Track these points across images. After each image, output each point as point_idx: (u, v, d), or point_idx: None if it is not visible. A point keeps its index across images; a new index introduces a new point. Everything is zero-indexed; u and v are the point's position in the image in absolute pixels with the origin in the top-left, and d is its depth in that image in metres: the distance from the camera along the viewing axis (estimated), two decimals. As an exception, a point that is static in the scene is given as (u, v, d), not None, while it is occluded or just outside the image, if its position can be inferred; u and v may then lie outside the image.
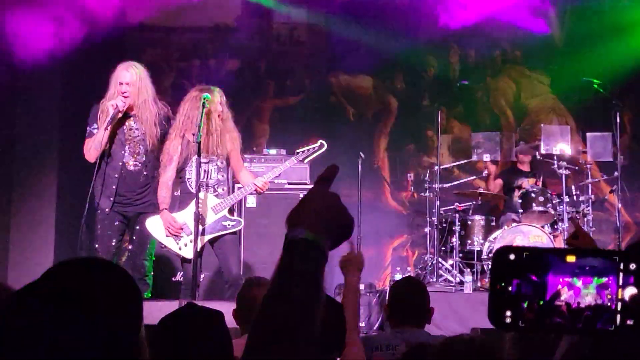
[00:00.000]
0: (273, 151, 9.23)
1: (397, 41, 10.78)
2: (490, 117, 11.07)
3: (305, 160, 7.05)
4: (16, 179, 9.10)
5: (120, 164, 6.59)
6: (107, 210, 6.52)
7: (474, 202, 9.41)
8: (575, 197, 8.95)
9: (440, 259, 8.93)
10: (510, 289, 1.33)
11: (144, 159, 6.65)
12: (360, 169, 8.43)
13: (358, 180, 8.27)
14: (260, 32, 11.15)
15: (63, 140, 9.05)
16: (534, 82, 11.11)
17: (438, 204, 9.04)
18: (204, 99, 6.60)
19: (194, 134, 6.51)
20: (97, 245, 6.56)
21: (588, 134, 9.66)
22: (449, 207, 9.35)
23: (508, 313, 1.32)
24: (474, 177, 9.74)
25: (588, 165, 9.24)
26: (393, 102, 10.96)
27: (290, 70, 11.13)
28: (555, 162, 9.03)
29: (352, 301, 3.59)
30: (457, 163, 9.97)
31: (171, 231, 6.64)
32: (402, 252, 10.72)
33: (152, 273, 7.90)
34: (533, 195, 8.89)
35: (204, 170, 6.69)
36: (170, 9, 10.53)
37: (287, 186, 8.67)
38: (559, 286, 1.32)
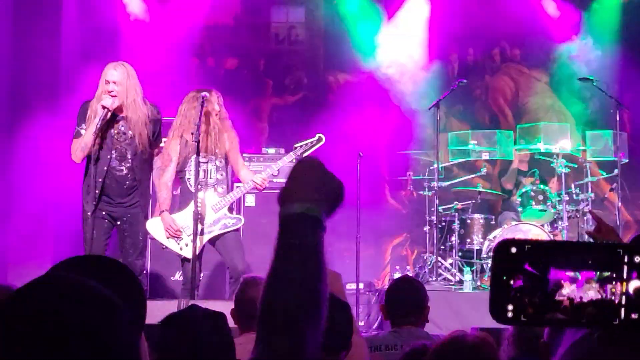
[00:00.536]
0: (272, 150, 9.22)
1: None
2: (489, 116, 11.06)
3: (304, 155, 6.99)
4: (16, 175, 9.08)
5: (106, 168, 6.47)
6: (89, 213, 6.45)
7: (473, 201, 9.41)
8: (574, 196, 8.94)
9: (439, 258, 8.92)
10: (512, 282, 1.31)
11: (130, 163, 6.52)
12: (359, 167, 8.41)
13: (357, 179, 8.25)
14: (258, 31, 11.14)
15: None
16: (533, 81, 11.11)
17: (437, 202, 9.03)
18: (203, 97, 6.60)
19: (192, 134, 6.51)
20: (85, 247, 6.50)
21: (587, 132, 9.65)
22: (448, 206, 9.34)
23: (510, 307, 1.31)
24: (473, 175, 9.73)
25: (587, 164, 9.23)
26: (392, 100, 10.94)
27: (289, 68, 11.12)
28: (554, 160, 9.02)
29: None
30: (456, 161, 9.96)
31: (171, 233, 6.64)
32: (402, 251, 10.71)
33: (147, 271, 7.89)
34: (532, 193, 8.89)
35: (204, 170, 6.68)
36: (168, 8, 10.50)
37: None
38: (561, 280, 1.30)
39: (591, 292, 1.30)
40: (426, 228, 9.31)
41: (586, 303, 1.30)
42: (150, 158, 6.74)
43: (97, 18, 9.86)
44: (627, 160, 9.43)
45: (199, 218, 6.53)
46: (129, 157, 6.54)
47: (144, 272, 7.03)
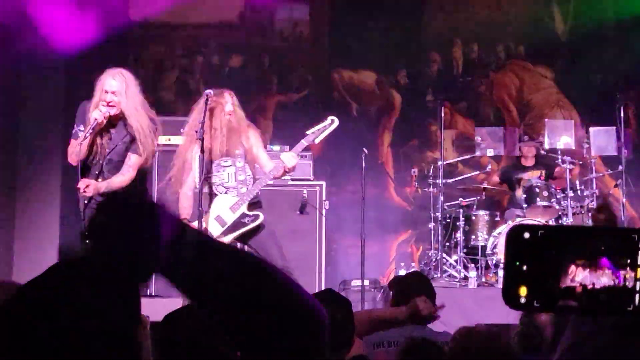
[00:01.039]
0: (277, 147, 9.21)
1: (400, 36, 10.79)
2: (494, 112, 11.05)
3: (317, 140, 6.82)
4: (20, 176, 9.11)
5: (97, 172, 6.36)
6: (81, 213, 6.39)
7: (478, 197, 9.40)
8: (579, 192, 8.93)
9: (444, 255, 8.92)
10: (524, 268, 1.30)
11: (115, 170, 6.37)
12: (363, 164, 8.41)
13: (362, 176, 8.25)
14: (263, 29, 11.14)
15: (67, 137, 9.02)
16: (538, 77, 11.09)
17: (442, 199, 9.02)
18: (207, 95, 6.57)
19: (196, 131, 6.46)
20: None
21: (592, 128, 9.64)
22: (453, 203, 9.33)
23: (523, 293, 1.30)
24: (478, 172, 9.72)
25: (592, 160, 9.22)
26: (396, 97, 10.94)
27: (293, 66, 11.13)
28: (559, 156, 9.01)
29: (378, 321, 3.53)
30: (460, 158, 9.95)
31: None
32: (407, 247, 10.70)
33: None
34: (537, 190, 8.88)
35: (227, 173, 6.61)
36: (173, 6, 10.52)
37: (290, 182, 8.66)
38: (574, 266, 1.29)
39: (604, 279, 1.28)
40: (431, 225, 9.30)
41: (599, 289, 1.28)
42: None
43: (101, 22, 9.87)
44: (632, 156, 9.42)
45: (202, 215, 6.49)
46: (111, 163, 6.39)
47: None
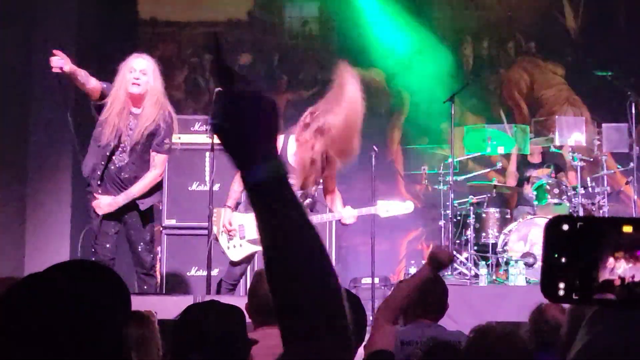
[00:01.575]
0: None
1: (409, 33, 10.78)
2: (504, 109, 11.02)
3: (383, 214, 6.84)
4: (30, 172, 9.12)
5: (108, 154, 6.35)
6: (95, 194, 6.36)
7: (489, 195, 9.38)
8: (590, 189, 8.90)
9: (454, 252, 8.90)
10: (563, 260, 1.28)
11: (129, 157, 6.40)
12: (373, 162, 8.39)
13: (372, 174, 8.23)
14: (272, 26, 11.14)
15: (77, 134, 9.03)
16: (548, 74, 11.06)
17: (452, 196, 9.01)
18: (216, 93, 6.54)
19: (206, 129, 6.45)
20: (96, 232, 6.41)
21: (603, 125, 9.60)
22: (463, 200, 9.32)
23: (561, 285, 1.28)
24: (488, 169, 9.69)
25: (603, 157, 9.19)
26: (406, 95, 10.92)
27: (303, 64, 11.12)
28: (570, 153, 8.99)
29: (410, 289, 3.49)
30: (471, 155, 9.93)
31: (225, 228, 6.51)
32: (417, 245, 10.69)
33: (158, 265, 7.88)
34: (548, 187, 8.86)
35: None
36: (182, 4, 10.53)
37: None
38: (613, 259, 1.26)
39: None
40: (441, 222, 9.28)
41: (638, 282, 1.26)
42: (148, 158, 6.52)
43: (110, 20, 9.89)
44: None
45: (212, 214, 6.48)
46: (130, 149, 6.40)
47: (154, 267, 6.90)
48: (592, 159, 9.22)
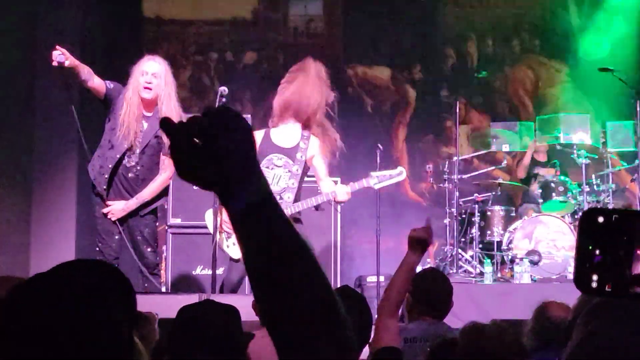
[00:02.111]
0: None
1: (414, 32, 10.77)
2: (509, 107, 11.02)
3: (377, 186, 6.66)
4: (36, 172, 9.13)
5: (119, 156, 6.36)
6: (103, 196, 6.38)
7: (494, 193, 9.37)
8: (595, 187, 8.89)
9: (460, 250, 8.90)
10: (597, 252, 1.27)
11: (138, 159, 6.41)
12: (378, 160, 8.39)
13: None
14: (277, 25, 11.13)
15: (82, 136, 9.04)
16: (553, 71, 11.05)
17: (457, 194, 9.00)
18: (220, 92, 6.55)
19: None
20: (100, 231, 6.41)
21: (608, 123, 9.58)
22: (468, 198, 9.31)
23: (594, 277, 1.27)
24: (493, 167, 9.68)
25: (608, 155, 9.17)
26: (411, 93, 10.92)
27: (308, 62, 11.11)
28: (575, 151, 8.97)
29: (402, 280, 3.47)
30: (476, 153, 9.92)
31: (225, 228, 6.48)
32: (422, 243, 10.67)
33: (163, 264, 7.90)
34: (553, 185, 8.85)
35: (274, 174, 6.42)
36: (186, 3, 10.54)
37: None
38: None
39: None
40: (446, 220, 9.28)
41: None
42: (157, 161, 6.53)
43: (115, 19, 9.89)
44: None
45: (217, 213, 6.48)
46: (141, 152, 6.43)
47: (158, 266, 6.91)
48: (596, 157, 9.21)
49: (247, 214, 1.25)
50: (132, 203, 6.36)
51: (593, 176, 9.00)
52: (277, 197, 6.33)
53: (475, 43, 11.04)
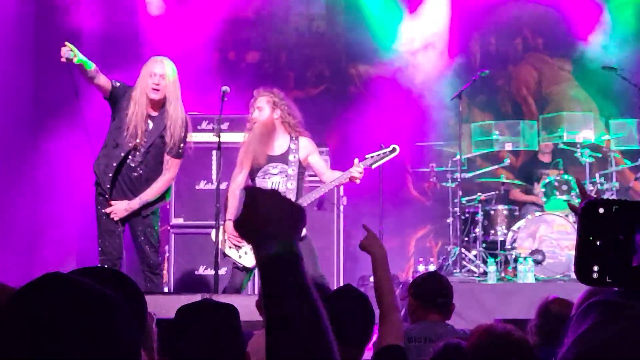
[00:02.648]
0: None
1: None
2: (512, 106, 11.00)
3: (374, 165, 6.66)
4: (40, 178, 9.13)
5: (123, 154, 6.36)
6: (106, 196, 6.37)
7: (497, 192, 9.36)
8: (599, 185, 8.88)
9: (463, 250, 8.88)
10: (598, 243, 1.28)
11: (143, 158, 6.40)
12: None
13: (380, 171, 8.23)
14: (279, 24, 11.12)
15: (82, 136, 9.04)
16: (556, 70, 11.03)
17: (460, 194, 9.00)
18: (223, 92, 6.55)
19: (213, 127, 6.45)
20: (102, 230, 6.40)
21: (611, 121, 9.57)
22: (471, 197, 9.30)
23: (595, 268, 1.28)
24: (496, 166, 9.68)
25: (612, 153, 9.16)
26: (414, 91, 10.90)
27: (310, 61, 11.11)
28: (578, 149, 8.96)
29: (381, 275, 3.48)
30: (479, 152, 9.91)
31: (232, 241, 6.49)
32: (426, 243, 10.68)
33: (166, 264, 7.89)
34: (556, 184, 8.83)
35: (272, 182, 6.49)
36: (188, 3, 10.52)
37: (308, 178, 8.64)
38: None
39: None
40: (450, 220, 9.27)
41: None
42: (161, 160, 6.52)
43: (117, 19, 9.88)
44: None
45: (219, 212, 6.47)
46: (145, 151, 6.43)
47: (160, 266, 6.88)
48: (600, 155, 9.19)
49: (271, 262, 1.42)
50: (135, 203, 6.37)
51: (597, 175, 8.98)
52: None
53: (479, 42, 11.03)
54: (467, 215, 9.22)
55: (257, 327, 3.97)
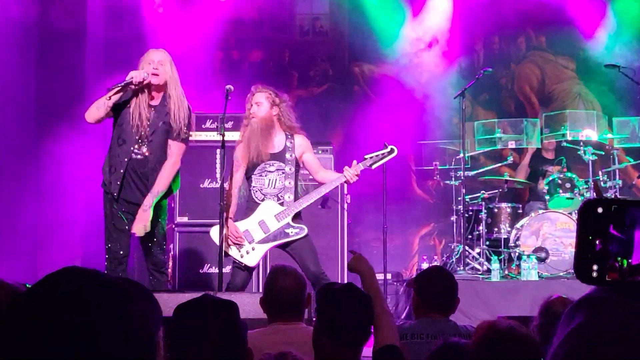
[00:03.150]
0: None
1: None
2: (515, 104, 11.01)
3: (374, 166, 6.63)
4: (44, 178, 9.15)
5: (131, 149, 6.32)
6: (115, 194, 6.35)
7: (500, 190, 9.37)
8: (602, 183, 8.88)
9: (467, 247, 8.90)
10: (597, 242, 1.28)
11: (150, 148, 6.32)
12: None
13: (383, 170, 8.24)
14: (282, 23, 11.14)
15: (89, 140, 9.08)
16: (559, 68, 11.04)
17: (464, 192, 9.01)
18: (226, 91, 6.56)
19: (217, 126, 6.44)
20: (110, 229, 6.39)
21: (615, 119, 9.57)
22: (475, 195, 9.31)
23: (595, 267, 1.28)
24: (500, 164, 9.69)
25: (615, 151, 9.16)
26: (417, 90, 10.92)
27: (314, 60, 11.13)
28: (581, 147, 8.96)
29: (374, 289, 3.56)
30: (482, 150, 9.92)
31: (233, 240, 6.46)
32: (429, 240, 10.70)
33: (170, 262, 7.91)
34: (559, 181, 8.84)
35: (269, 179, 6.49)
36: (192, 2, 10.54)
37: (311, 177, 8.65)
38: None
39: None
40: (453, 218, 9.28)
41: None
42: (166, 149, 6.45)
43: (119, 19, 9.91)
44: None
45: (223, 210, 6.47)
46: (149, 141, 6.40)
47: (165, 265, 6.88)
48: (603, 153, 9.20)
49: None
50: (148, 202, 6.33)
51: (600, 173, 8.99)
52: (278, 199, 6.31)
53: (482, 40, 11.04)
54: (470, 213, 9.23)
55: (260, 324, 3.99)
